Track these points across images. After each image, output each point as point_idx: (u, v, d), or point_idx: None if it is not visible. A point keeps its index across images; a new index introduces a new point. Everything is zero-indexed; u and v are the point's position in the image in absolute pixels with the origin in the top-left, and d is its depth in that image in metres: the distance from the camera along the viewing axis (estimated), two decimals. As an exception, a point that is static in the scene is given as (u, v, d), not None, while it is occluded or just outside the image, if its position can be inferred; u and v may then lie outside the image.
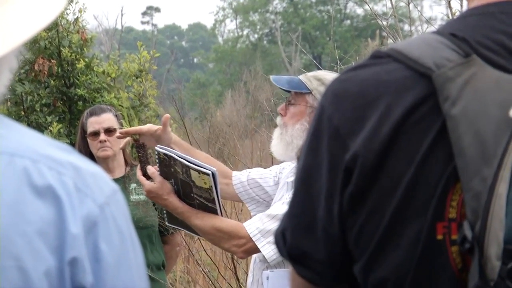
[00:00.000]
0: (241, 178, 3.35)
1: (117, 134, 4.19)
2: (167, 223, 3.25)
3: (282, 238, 1.41)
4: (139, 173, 3.08)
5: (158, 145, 3.02)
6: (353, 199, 1.29)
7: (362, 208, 1.28)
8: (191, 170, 2.89)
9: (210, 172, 2.86)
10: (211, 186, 2.89)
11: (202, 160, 3.14)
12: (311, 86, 3.07)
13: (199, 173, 2.88)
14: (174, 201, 2.99)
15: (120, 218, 1.17)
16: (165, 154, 2.94)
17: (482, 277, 1.17)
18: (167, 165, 2.96)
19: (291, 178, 3.06)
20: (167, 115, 3.26)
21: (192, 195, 2.96)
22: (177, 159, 2.91)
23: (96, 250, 1.12)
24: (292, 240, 1.39)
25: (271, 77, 3.20)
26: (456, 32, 1.30)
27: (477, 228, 1.17)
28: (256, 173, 3.39)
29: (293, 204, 1.40)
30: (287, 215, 1.41)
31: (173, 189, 3.00)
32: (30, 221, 1.09)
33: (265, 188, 3.33)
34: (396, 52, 1.31)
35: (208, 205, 2.95)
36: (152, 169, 3.02)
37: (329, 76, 3.14)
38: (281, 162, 3.35)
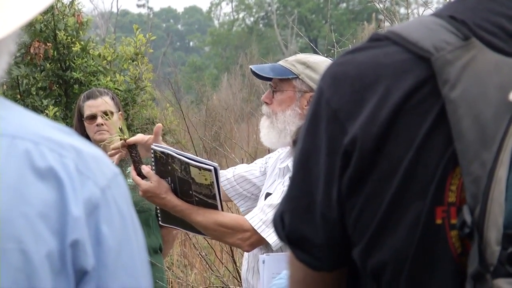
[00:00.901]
0: (227, 175, 3.33)
1: (115, 117, 4.19)
2: (160, 223, 3.21)
3: (281, 222, 1.40)
4: (133, 173, 3.02)
5: (154, 144, 2.97)
6: (352, 183, 1.28)
7: (361, 192, 1.28)
8: (190, 167, 2.85)
9: (212, 168, 2.83)
10: (212, 182, 2.85)
11: None
12: (297, 71, 3.05)
13: (199, 170, 2.84)
14: (173, 199, 2.94)
15: (122, 201, 1.17)
16: (162, 152, 2.90)
17: (481, 262, 1.16)
18: (164, 163, 2.92)
19: (285, 164, 3.05)
20: (159, 124, 3.20)
21: (190, 192, 2.92)
22: (175, 157, 2.86)
23: (98, 232, 1.12)
24: (291, 223, 1.38)
25: (252, 67, 3.15)
26: (455, 15, 1.29)
27: (476, 213, 1.17)
28: (241, 168, 3.37)
29: (292, 187, 1.40)
30: (286, 198, 1.41)
31: (170, 188, 2.96)
32: (31, 204, 1.09)
33: (252, 180, 3.31)
34: (394, 35, 1.30)
35: (208, 202, 2.92)
36: (147, 169, 2.97)
37: (311, 58, 3.11)
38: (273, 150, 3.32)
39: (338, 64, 1.35)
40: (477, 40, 1.25)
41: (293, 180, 1.40)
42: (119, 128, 3.11)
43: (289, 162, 3.00)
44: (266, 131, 3.09)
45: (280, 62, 3.13)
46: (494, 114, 1.19)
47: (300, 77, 3.04)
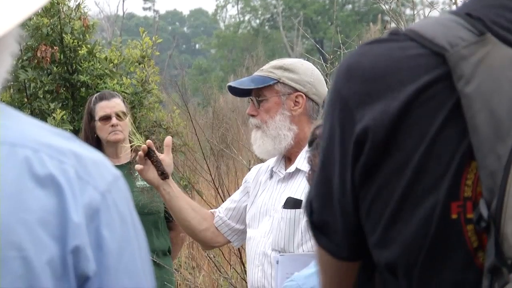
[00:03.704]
0: (219, 215, 3.30)
1: (127, 119, 4.21)
2: None
3: (310, 207, 1.43)
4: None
5: None
6: (365, 171, 1.30)
7: (374, 181, 1.29)
8: None
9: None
10: None
11: (193, 208, 3.16)
12: (276, 76, 3.08)
13: None
14: None
15: (122, 204, 1.17)
16: None
17: (498, 256, 1.17)
18: None
19: (293, 168, 3.05)
20: (169, 137, 3.22)
21: None
22: None
23: (99, 237, 1.12)
24: (316, 209, 1.41)
25: (230, 83, 3.16)
26: (472, 12, 1.31)
27: (493, 207, 1.18)
28: (224, 204, 3.37)
29: (317, 173, 1.43)
30: (313, 184, 1.44)
31: None
32: (31, 211, 1.09)
33: (236, 206, 3.27)
34: (411, 32, 1.32)
35: None
36: None
37: (285, 61, 3.15)
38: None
39: (354, 55, 1.37)
40: (492, 35, 1.26)
41: (318, 167, 1.43)
42: (133, 132, 3.11)
43: (299, 165, 3.00)
44: (261, 142, 3.09)
45: (257, 73, 3.17)
46: (509, 108, 1.20)
47: (281, 80, 3.07)
